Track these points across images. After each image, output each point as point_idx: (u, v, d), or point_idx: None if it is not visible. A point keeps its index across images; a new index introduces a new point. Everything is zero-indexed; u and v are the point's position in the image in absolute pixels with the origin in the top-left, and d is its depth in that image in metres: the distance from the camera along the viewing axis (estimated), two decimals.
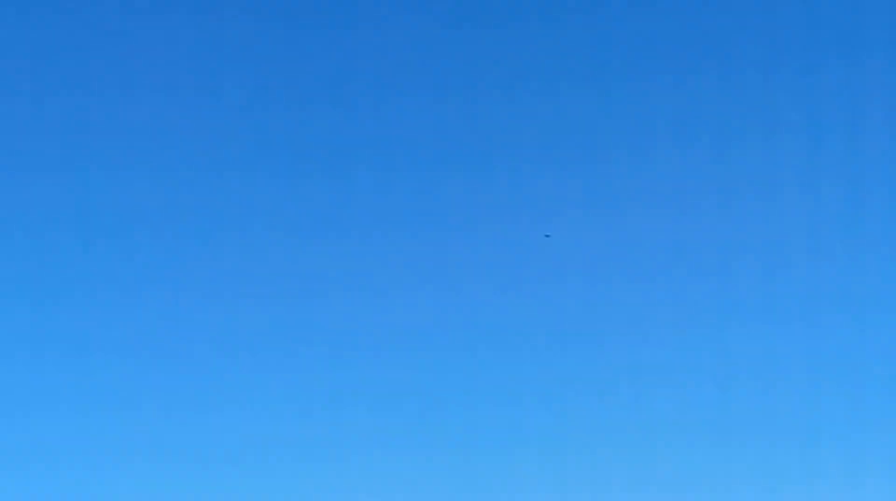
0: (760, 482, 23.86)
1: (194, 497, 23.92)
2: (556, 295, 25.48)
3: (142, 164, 26.58)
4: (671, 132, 26.51)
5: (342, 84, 27.06)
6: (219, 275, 25.90)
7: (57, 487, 23.96)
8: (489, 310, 25.57)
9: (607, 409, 24.61)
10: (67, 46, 26.91)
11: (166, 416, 24.68)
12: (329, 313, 25.72)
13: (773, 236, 25.79)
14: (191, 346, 25.34)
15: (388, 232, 26.21)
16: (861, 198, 25.74)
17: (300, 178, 26.56)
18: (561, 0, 27.22)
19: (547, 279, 25.48)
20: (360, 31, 27.30)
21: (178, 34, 27.09)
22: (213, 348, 25.31)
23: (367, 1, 27.30)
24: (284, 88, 27.10)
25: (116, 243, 25.84)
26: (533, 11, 27.12)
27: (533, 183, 26.33)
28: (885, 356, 24.72)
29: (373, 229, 26.19)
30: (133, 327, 25.38)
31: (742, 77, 26.70)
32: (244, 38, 27.19)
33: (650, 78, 26.65)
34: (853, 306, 25.26)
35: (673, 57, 26.86)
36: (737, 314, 25.32)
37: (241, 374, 25.16)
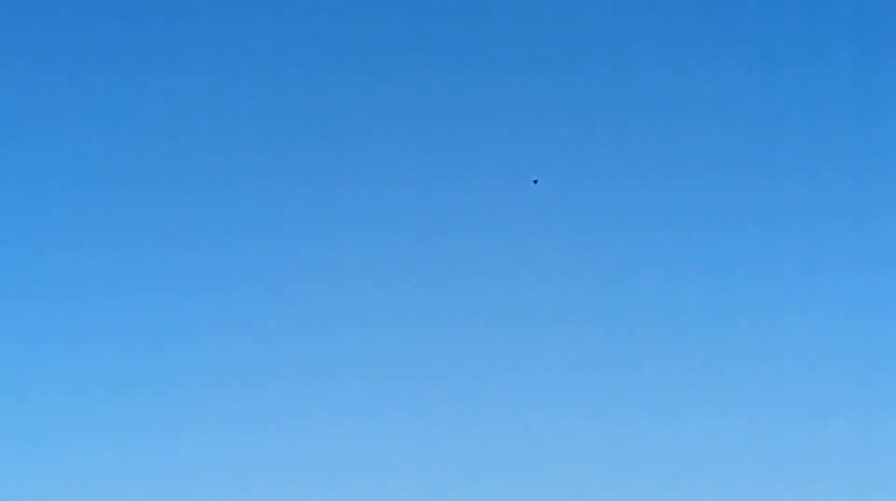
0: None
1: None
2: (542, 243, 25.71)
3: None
4: (668, 114, 26.81)
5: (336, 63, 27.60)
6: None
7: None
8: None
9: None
10: (70, 46, 27.53)
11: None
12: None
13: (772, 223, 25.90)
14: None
15: (385, 185, 26.55)
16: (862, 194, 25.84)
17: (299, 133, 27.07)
18: None
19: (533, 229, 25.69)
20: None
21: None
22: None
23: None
24: (282, 74, 27.73)
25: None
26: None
27: (524, 141, 26.74)
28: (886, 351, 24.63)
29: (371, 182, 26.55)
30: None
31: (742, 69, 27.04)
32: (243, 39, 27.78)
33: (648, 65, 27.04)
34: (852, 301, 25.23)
35: (671, 50, 27.24)
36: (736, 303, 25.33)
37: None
